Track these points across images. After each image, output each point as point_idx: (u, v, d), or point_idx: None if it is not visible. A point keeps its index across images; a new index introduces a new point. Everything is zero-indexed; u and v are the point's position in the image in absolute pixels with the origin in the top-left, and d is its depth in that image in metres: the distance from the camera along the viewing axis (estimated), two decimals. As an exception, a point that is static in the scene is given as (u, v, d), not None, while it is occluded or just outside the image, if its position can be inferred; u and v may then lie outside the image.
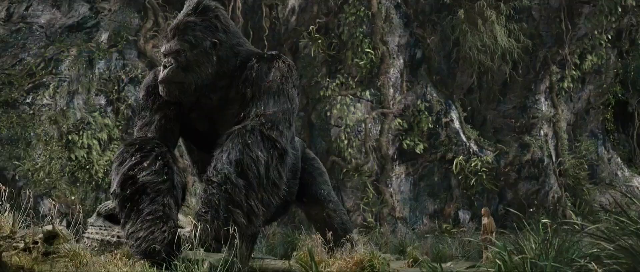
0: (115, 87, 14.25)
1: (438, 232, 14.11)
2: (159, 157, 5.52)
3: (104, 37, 14.49)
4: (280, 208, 6.56)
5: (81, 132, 13.28)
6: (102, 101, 14.12)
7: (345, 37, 15.23)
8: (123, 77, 14.38)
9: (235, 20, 15.26)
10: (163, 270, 4.12)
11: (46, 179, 12.50)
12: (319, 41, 15.23)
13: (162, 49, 5.72)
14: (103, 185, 13.46)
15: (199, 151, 6.21)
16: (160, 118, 5.79)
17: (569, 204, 14.48)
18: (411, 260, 5.85)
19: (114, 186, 5.52)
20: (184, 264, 4.08)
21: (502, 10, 15.16)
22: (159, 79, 5.62)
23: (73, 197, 12.77)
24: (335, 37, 15.34)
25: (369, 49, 15.02)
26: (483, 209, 6.06)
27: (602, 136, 16.36)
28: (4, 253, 5.30)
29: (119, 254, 4.75)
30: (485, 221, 5.87)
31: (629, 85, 17.62)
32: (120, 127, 14.07)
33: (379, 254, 4.93)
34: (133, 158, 5.46)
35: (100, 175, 13.36)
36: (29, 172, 12.43)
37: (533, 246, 3.87)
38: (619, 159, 16.10)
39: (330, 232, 5.95)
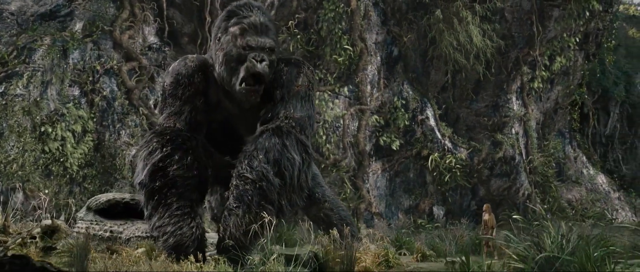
0: (90, 78, 13.91)
1: (413, 227, 14.40)
2: (190, 151, 5.48)
3: (78, 26, 14.12)
4: None
5: (55, 124, 12.93)
6: (76, 92, 13.77)
7: (324, 33, 15.28)
8: (98, 68, 14.05)
9: (215, 14, 15.12)
10: (239, 269, 4.10)
11: (19, 172, 12.13)
12: (298, 36, 15.25)
13: (251, 41, 5.49)
14: (77, 178, 13.16)
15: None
16: (190, 109, 5.73)
17: (538, 201, 15.00)
18: (420, 255, 6.00)
19: (141, 176, 5.44)
20: (258, 257, 4.09)
21: (477, 11, 15.52)
22: (257, 70, 5.41)
23: (46, 191, 12.44)
24: (314, 33, 15.38)
25: (348, 45, 15.13)
26: (485, 206, 6.24)
27: (568, 135, 17.00)
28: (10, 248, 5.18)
29: (141, 249, 4.70)
30: (486, 217, 6.05)
31: (583, 87, 18.37)
32: (94, 120, 13.76)
33: (393, 250, 5.05)
34: (164, 149, 5.40)
35: (74, 168, 13.05)
36: (2, 165, 12.03)
37: (550, 242, 4.05)
38: (584, 158, 16.77)
39: (332, 229, 6.04)
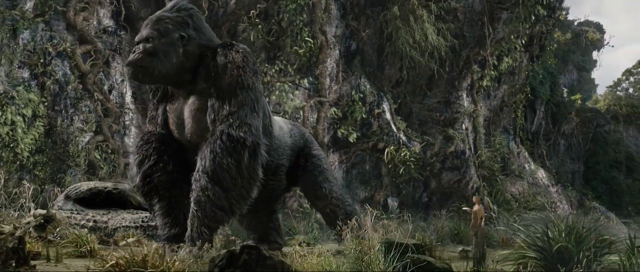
0: (41, 60, 13.24)
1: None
2: (168, 158, 6.29)
3: (29, 5, 13.38)
4: (263, 202, 6.92)
5: (5, 107, 12.25)
6: (26, 74, 13.08)
7: (285, 24, 15.29)
8: (50, 49, 13.40)
9: None
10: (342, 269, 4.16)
11: (-33, 157, 11.41)
12: (259, 26, 15.18)
13: (137, 37, 6.07)
14: (27, 165, 12.54)
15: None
16: (162, 112, 6.39)
17: (486, 193, 15.79)
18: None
19: (137, 180, 6.33)
20: (356, 241, 4.21)
21: (432, 10, 16.04)
22: (126, 62, 6.00)
23: (-3, 178, 11.76)
24: (275, 23, 15.36)
25: (309, 37, 15.22)
26: (474, 197, 6.57)
27: (513, 132, 17.96)
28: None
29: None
30: (475, 207, 6.38)
31: (527, 86, 19.44)
32: (46, 104, 13.13)
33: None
34: (151, 159, 6.25)
35: (25, 154, 12.43)
36: (-53, 149, 11.27)
37: (557, 233, 4.39)
38: (526, 153, 17.78)
39: (337, 224, 6.34)
